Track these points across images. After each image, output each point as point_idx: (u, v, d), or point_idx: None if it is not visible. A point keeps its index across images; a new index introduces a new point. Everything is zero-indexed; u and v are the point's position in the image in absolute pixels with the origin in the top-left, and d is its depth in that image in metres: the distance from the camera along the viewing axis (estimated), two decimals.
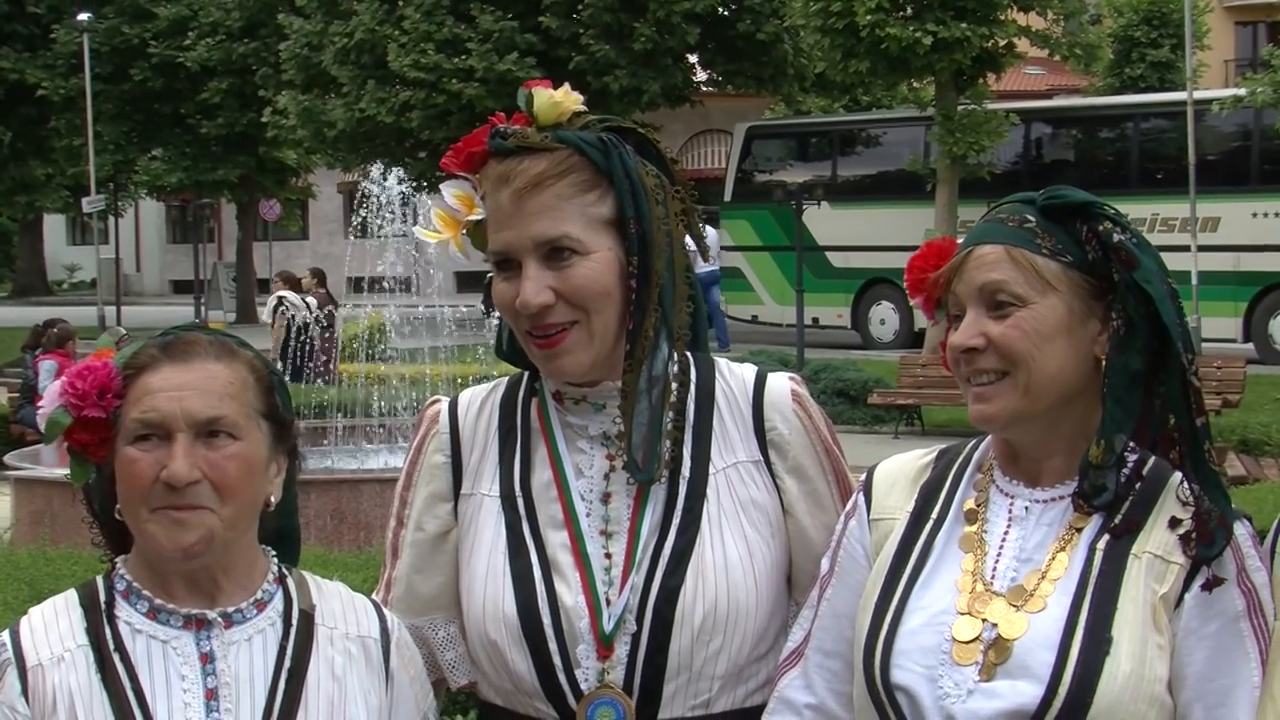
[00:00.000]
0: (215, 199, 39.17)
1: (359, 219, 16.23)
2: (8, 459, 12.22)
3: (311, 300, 19.68)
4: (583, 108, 2.33)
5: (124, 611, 2.16)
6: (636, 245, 2.26)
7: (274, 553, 2.27)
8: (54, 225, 53.27)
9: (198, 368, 2.14)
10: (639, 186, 2.27)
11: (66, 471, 2.21)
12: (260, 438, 2.17)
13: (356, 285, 16.02)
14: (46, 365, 16.05)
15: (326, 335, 18.64)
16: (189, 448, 2.09)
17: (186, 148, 37.18)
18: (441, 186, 2.35)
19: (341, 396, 13.76)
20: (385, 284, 15.05)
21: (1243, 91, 22.38)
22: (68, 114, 37.44)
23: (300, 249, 50.80)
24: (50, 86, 36.65)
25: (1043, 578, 2.15)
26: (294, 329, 18.70)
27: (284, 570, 2.26)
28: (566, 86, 2.33)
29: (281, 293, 20.14)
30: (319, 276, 21.28)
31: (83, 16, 35.18)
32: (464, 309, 16.83)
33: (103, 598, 2.17)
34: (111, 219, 43.97)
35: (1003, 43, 24.62)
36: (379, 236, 15.60)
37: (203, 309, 31.86)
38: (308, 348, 18.04)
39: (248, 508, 2.16)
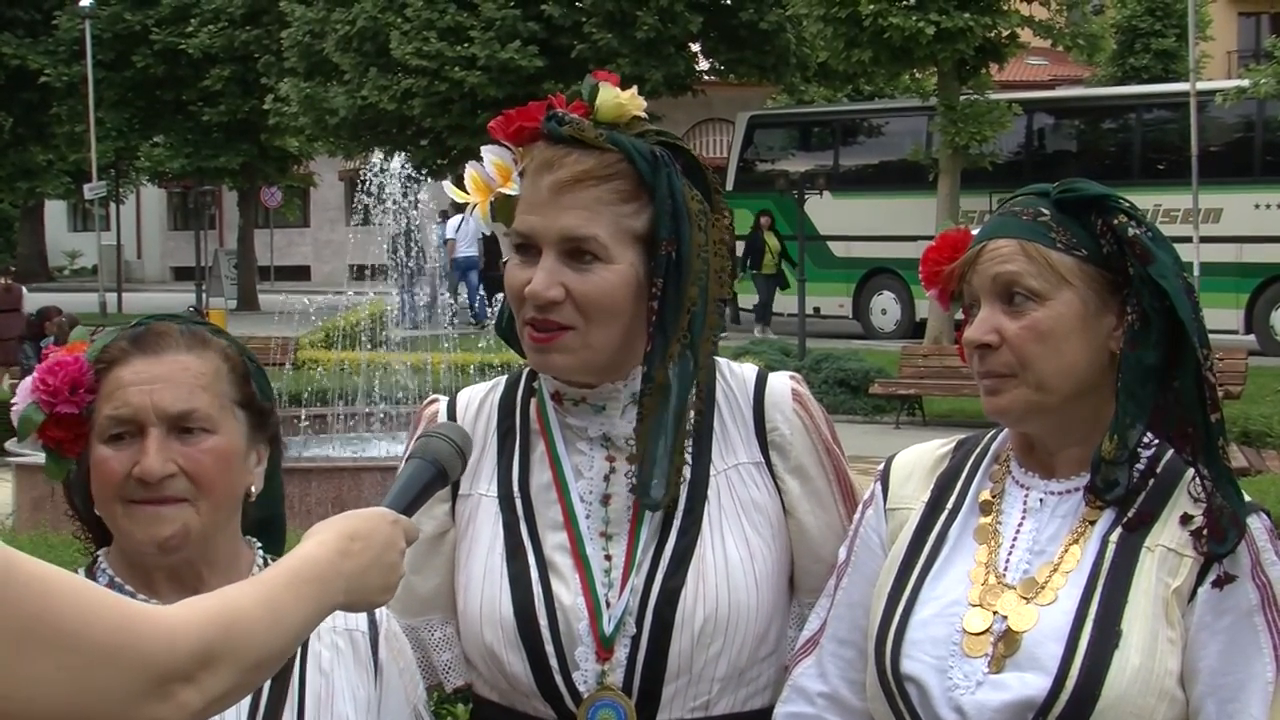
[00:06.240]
0: (217, 186, 39.14)
1: (360, 206, 16.23)
2: (9, 445, 12.19)
3: None
4: (644, 114, 2.29)
5: None
6: (665, 267, 2.21)
7: (259, 544, 2.23)
8: (55, 211, 53.19)
9: (169, 360, 2.08)
10: (681, 209, 2.22)
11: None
12: (237, 428, 2.12)
13: (359, 273, 16.05)
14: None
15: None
16: (162, 442, 2.04)
17: (188, 134, 37.17)
18: (484, 150, 2.30)
19: (343, 384, 13.76)
20: (388, 270, 15.07)
21: (1246, 83, 22.43)
22: (69, 100, 37.42)
23: (301, 236, 50.82)
24: (52, 73, 36.64)
25: (1054, 570, 2.14)
26: None
27: (269, 562, 2.19)
28: (634, 90, 2.28)
29: None
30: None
31: (85, 2, 35.23)
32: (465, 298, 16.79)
33: None
34: (113, 205, 43.95)
35: (1005, 33, 24.62)
36: (380, 224, 15.61)
37: (204, 296, 31.81)
38: None
39: (226, 501, 2.10)
